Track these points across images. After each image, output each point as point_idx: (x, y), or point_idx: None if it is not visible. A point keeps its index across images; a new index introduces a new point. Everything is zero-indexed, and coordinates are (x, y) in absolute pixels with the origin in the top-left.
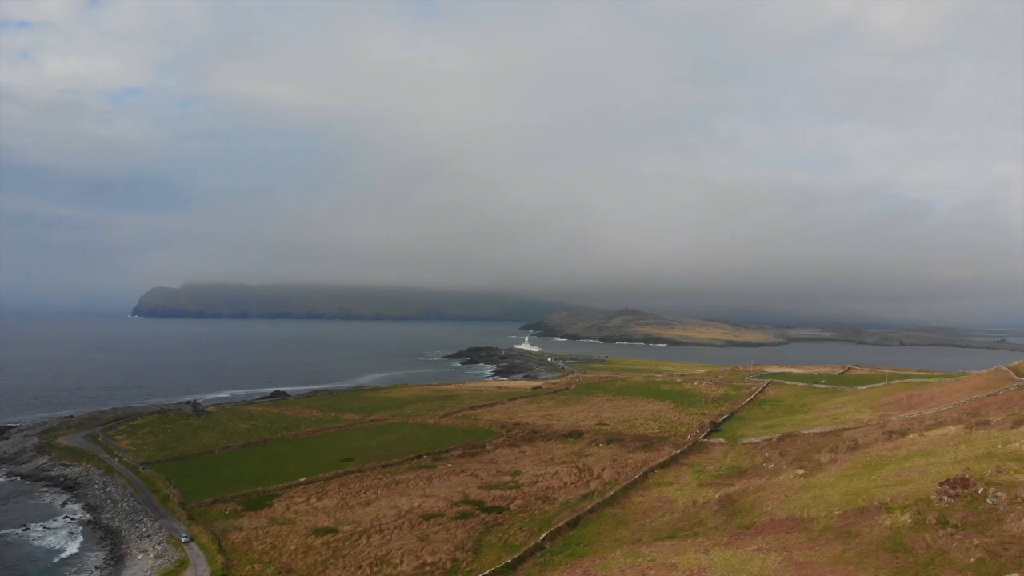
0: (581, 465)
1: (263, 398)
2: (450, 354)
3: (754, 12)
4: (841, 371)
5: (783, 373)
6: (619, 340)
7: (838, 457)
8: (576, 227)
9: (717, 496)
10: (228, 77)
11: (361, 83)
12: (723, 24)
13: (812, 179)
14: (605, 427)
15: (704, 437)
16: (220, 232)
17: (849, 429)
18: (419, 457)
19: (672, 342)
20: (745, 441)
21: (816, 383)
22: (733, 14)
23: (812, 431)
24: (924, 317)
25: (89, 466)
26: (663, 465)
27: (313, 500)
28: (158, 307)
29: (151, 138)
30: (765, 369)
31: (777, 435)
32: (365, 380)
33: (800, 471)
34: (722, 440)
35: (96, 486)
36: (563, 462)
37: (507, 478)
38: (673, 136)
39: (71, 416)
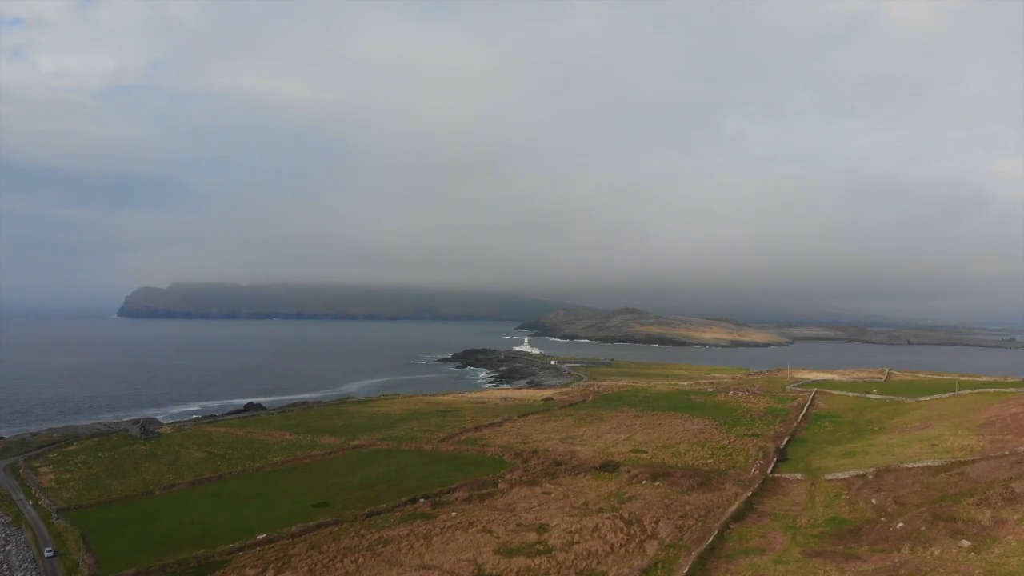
0: (626, 515)
1: (233, 412)
2: (446, 357)
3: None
4: (883, 377)
5: (825, 381)
6: (619, 340)
7: (1003, 516)
8: (579, 228)
9: None
10: (224, 74)
11: (361, 80)
12: (731, 22)
13: (814, 177)
14: (644, 455)
15: (772, 471)
16: (212, 231)
17: (967, 462)
18: (414, 501)
19: (676, 342)
20: (829, 477)
21: (869, 393)
22: (745, 11)
23: (917, 465)
24: (921, 315)
25: None
26: (737, 516)
27: (271, 573)
28: (144, 307)
29: (145, 136)
30: (796, 375)
31: (872, 470)
32: (352, 388)
33: (965, 542)
34: (798, 475)
35: None
36: (601, 509)
37: (531, 536)
38: (677, 135)
39: (0, 438)
